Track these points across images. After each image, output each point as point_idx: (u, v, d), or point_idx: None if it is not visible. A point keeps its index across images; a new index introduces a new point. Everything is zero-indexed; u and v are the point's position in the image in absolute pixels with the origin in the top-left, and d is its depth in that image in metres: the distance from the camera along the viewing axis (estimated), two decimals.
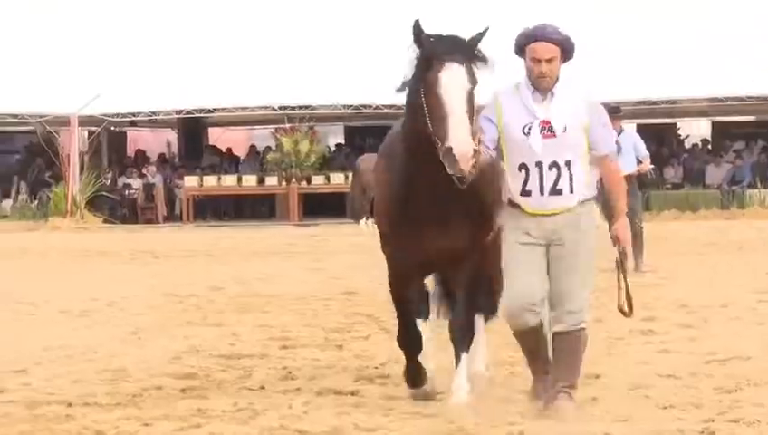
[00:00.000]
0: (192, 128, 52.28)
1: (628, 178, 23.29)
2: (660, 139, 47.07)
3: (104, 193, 47.29)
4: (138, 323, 16.72)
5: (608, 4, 51.10)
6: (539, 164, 9.24)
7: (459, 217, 9.76)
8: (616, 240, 9.30)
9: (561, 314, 9.52)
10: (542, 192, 9.29)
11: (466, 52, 9.26)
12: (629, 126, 25.39)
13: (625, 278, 9.35)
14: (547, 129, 9.23)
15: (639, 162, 23.72)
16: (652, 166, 27.84)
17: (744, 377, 11.73)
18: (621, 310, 9.49)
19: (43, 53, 47.65)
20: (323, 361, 13.37)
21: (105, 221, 45.58)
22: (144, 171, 49.59)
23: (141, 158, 51.32)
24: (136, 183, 48.92)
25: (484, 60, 9.33)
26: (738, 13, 48.77)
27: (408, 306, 10.36)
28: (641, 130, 27.15)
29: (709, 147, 52.04)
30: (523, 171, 9.28)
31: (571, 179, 9.29)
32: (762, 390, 11.13)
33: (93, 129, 47.58)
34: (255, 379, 12.40)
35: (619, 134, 23.45)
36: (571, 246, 9.40)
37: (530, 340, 9.84)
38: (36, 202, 48.37)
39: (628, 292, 9.38)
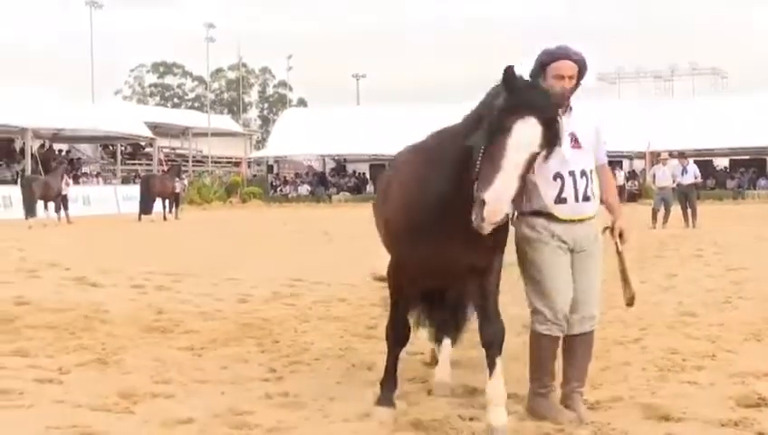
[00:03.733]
0: None
1: (692, 185, 22.33)
2: (705, 166, 44.97)
3: None
4: None
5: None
6: (572, 173, 4.77)
7: (466, 242, 4.42)
8: (620, 233, 4.95)
9: (583, 318, 4.85)
10: (576, 199, 4.78)
11: (550, 111, 4.22)
12: (691, 160, 24.11)
13: (626, 273, 4.99)
14: (574, 140, 4.81)
15: (696, 177, 22.58)
16: (701, 179, 26.55)
17: (746, 278, 11.07)
18: (627, 303, 5.05)
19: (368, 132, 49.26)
20: None
21: None
22: None
23: None
24: None
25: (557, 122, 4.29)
26: (745, 97, 48.23)
27: (404, 302, 5.00)
28: (696, 162, 25.88)
29: (728, 170, 50.00)
30: (559, 180, 4.76)
31: (593, 186, 4.86)
32: (756, 283, 10.46)
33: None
34: None
35: (687, 165, 22.53)
36: (592, 256, 4.86)
37: (551, 348, 4.90)
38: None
39: (631, 287, 4.97)
